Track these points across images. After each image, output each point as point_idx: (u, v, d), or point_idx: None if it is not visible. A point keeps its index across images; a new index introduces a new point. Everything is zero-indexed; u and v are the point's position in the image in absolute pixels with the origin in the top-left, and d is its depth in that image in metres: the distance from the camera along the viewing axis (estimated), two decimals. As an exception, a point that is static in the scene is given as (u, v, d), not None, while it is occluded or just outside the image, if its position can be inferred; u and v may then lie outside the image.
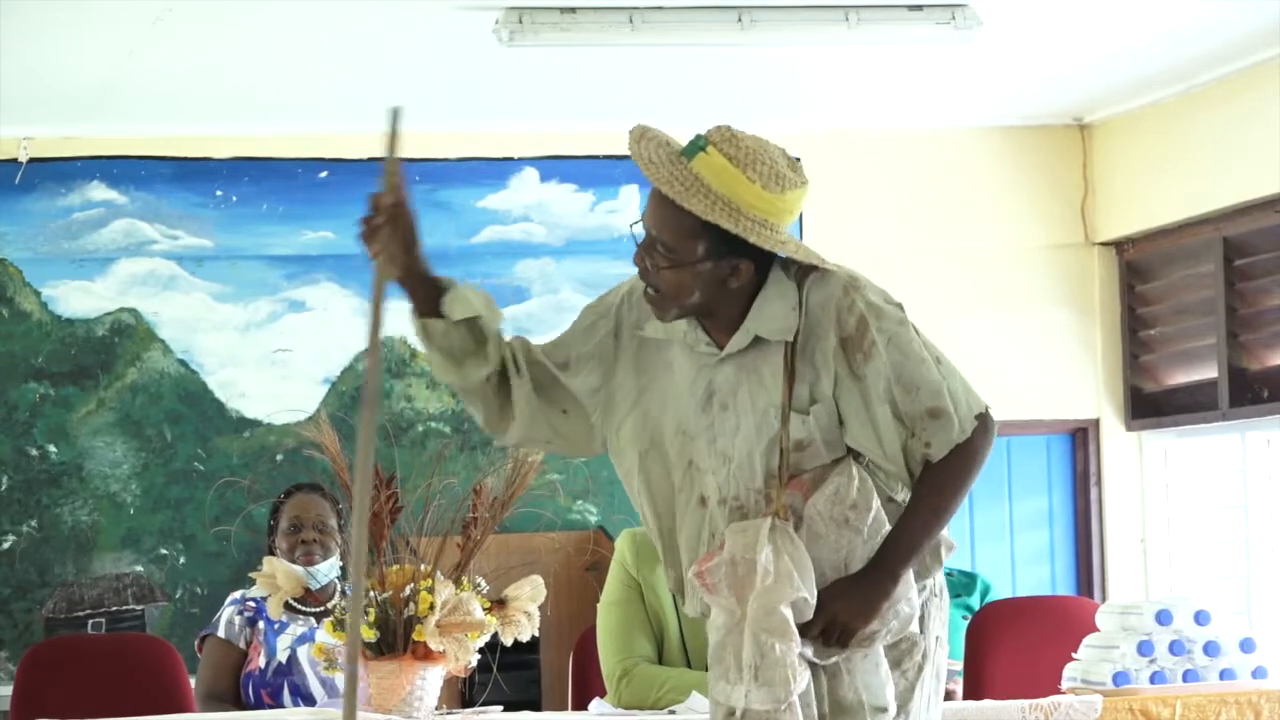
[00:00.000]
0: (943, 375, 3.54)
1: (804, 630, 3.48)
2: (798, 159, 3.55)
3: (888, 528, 3.55)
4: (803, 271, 3.58)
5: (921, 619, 3.63)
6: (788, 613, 3.46)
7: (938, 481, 3.55)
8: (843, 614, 3.50)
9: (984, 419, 3.58)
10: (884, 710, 3.55)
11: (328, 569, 5.66)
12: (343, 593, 5.62)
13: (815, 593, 3.49)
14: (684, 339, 3.61)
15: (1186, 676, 5.33)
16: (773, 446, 3.54)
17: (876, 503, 3.55)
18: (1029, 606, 6.37)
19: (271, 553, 5.69)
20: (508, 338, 3.65)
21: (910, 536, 3.54)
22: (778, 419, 3.53)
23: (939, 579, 3.70)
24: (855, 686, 3.54)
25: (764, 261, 3.54)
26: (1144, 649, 5.32)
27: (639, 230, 3.57)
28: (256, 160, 7.81)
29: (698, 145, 3.47)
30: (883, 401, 3.52)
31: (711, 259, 3.49)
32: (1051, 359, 8.19)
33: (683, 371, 3.62)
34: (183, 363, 7.75)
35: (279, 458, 7.68)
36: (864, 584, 3.52)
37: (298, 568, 5.54)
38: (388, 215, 3.53)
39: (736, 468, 3.56)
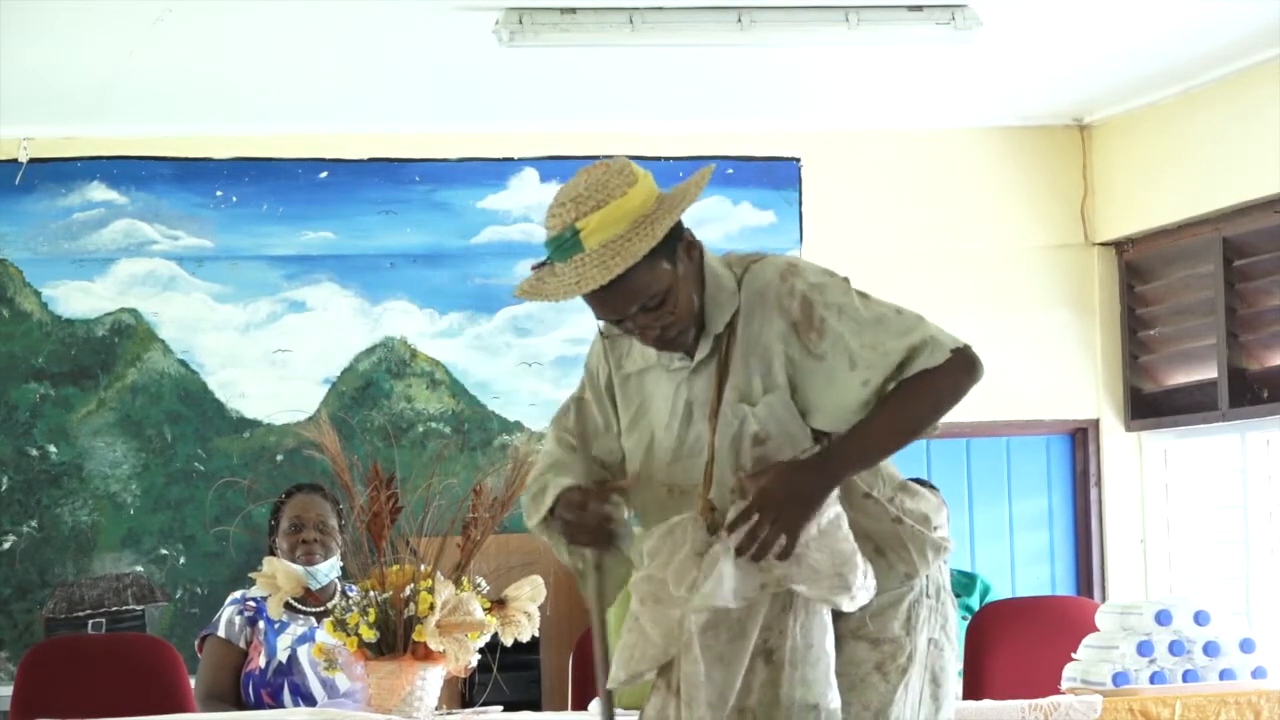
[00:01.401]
0: (904, 323, 3.51)
1: (735, 525, 3.44)
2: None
3: (844, 522, 3.51)
4: (741, 265, 3.59)
5: (908, 620, 3.62)
6: (636, 599, 3.51)
7: (902, 396, 3.49)
8: (769, 486, 3.44)
9: (963, 352, 3.52)
10: (814, 708, 3.49)
11: (328, 569, 5.66)
12: (343, 593, 5.62)
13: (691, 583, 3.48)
14: (659, 360, 3.61)
15: (1186, 677, 5.33)
16: (737, 442, 3.53)
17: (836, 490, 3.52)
18: (1029, 607, 6.38)
19: (272, 553, 5.69)
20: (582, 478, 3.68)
21: (859, 440, 3.49)
22: (736, 416, 3.54)
23: (936, 580, 3.67)
24: (793, 680, 3.50)
25: (689, 240, 3.55)
26: (1144, 649, 5.33)
27: (612, 329, 3.59)
28: (256, 160, 7.80)
29: (570, 236, 3.45)
30: (851, 368, 3.49)
31: (676, 260, 3.50)
32: (1051, 359, 8.19)
33: (664, 395, 3.63)
34: (183, 363, 7.74)
35: (279, 458, 7.68)
36: (797, 468, 3.46)
37: (298, 567, 5.55)
38: (593, 532, 3.59)
39: (718, 474, 3.55)
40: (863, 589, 3.50)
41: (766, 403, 3.52)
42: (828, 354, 3.51)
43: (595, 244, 3.42)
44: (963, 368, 3.52)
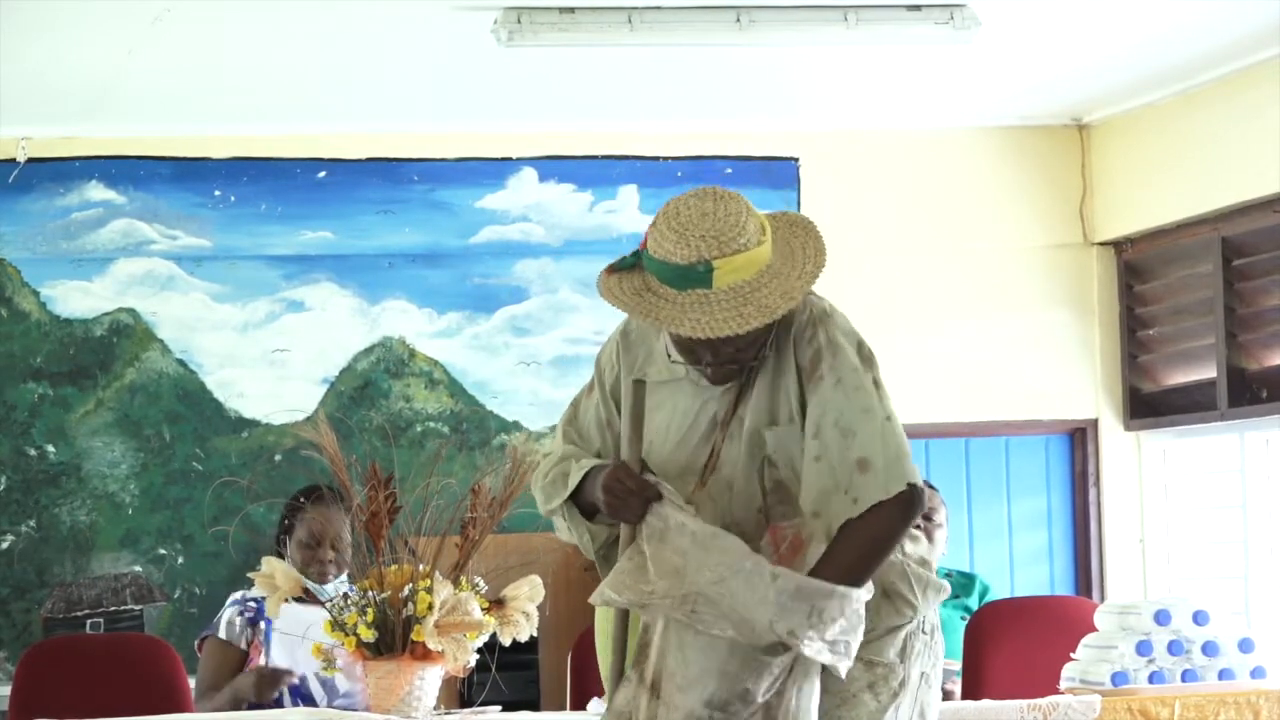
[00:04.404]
0: (882, 432, 3.49)
1: None
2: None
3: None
4: None
5: (904, 649, 3.66)
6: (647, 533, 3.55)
7: (853, 539, 3.48)
8: None
9: (907, 494, 3.49)
10: None
11: (335, 587, 5.62)
12: (344, 595, 5.60)
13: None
14: (688, 375, 3.61)
15: (1185, 676, 5.33)
16: (761, 467, 3.56)
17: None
18: (1028, 606, 6.38)
19: (278, 553, 5.67)
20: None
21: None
22: (757, 440, 3.56)
23: (930, 619, 3.73)
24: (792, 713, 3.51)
25: None
26: (1142, 649, 5.32)
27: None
28: (255, 160, 7.80)
29: (703, 271, 3.41)
30: (813, 437, 3.50)
31: None
32: (1050, 359, 8.18)
33: (682, 408, 3.63)
34: (181, 363, 7.74)
35: (277, 458, 7.67)
36: None
37: (308, 581, 5.52)
38: (637, 498, 3.56)
39: (737, 492, 3.57)
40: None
41: (776, 432, 3.56)
42: (810, 410, 3.52)
43: (724, 285, 3.42)
44: (903, 509, 3.49)
